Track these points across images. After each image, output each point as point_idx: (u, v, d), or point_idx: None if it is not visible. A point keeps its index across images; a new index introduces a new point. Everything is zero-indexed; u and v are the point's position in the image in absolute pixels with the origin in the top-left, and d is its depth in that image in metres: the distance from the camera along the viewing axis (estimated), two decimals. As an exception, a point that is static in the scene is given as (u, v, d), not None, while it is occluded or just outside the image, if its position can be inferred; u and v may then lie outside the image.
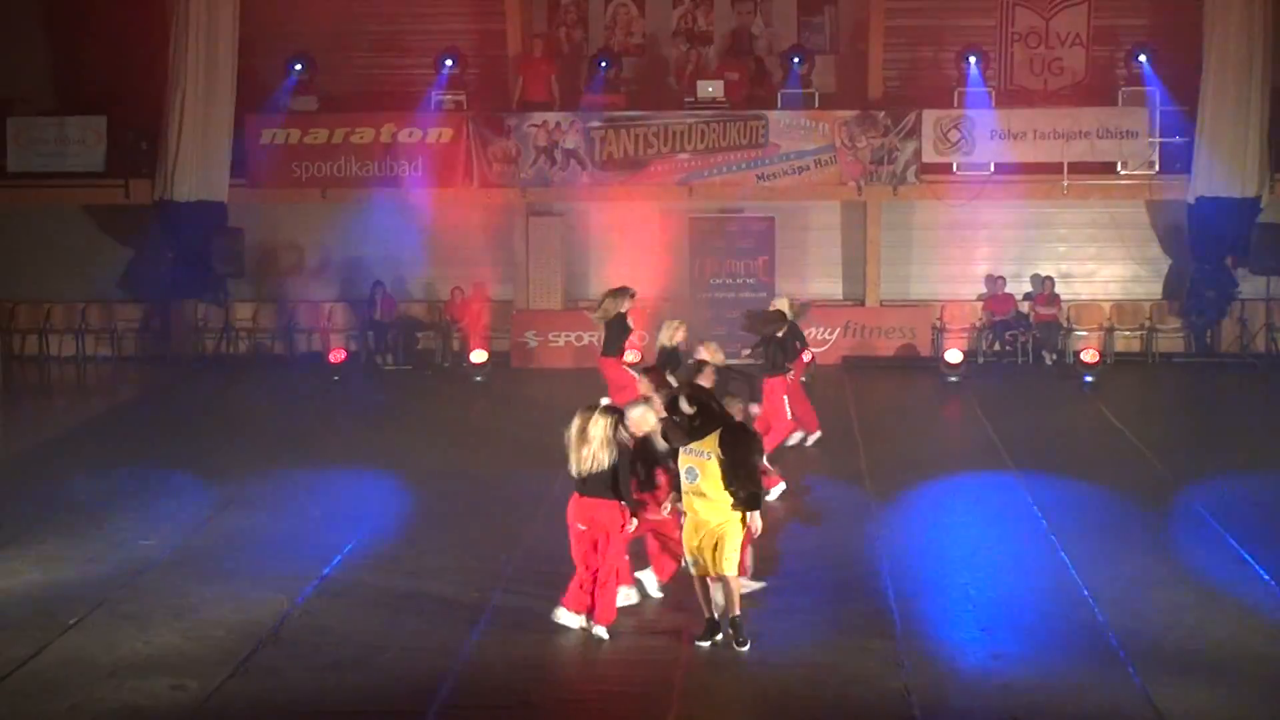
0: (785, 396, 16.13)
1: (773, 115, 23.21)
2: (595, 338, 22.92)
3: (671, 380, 12.74)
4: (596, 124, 23.23)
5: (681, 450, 10.62)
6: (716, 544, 10.59)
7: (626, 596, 11.39)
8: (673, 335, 15.97)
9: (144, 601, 12.07)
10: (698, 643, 10.77)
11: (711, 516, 10.57)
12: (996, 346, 23.33)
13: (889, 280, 23.92)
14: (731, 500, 10.50)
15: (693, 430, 10.58)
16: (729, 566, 10.63)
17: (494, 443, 16.97)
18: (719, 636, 10.80)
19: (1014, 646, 11.00)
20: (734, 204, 23.63)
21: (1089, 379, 21.13)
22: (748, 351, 16.82)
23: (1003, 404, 19.40)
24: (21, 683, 10.32)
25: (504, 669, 10.55)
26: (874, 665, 10.51)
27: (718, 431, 10.54)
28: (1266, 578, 12.38)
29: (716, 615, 10.81)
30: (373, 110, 23.81)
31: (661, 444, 11.15)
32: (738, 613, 10.76)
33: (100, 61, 23.75)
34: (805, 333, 18.38)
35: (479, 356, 22.04)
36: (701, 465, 10.52)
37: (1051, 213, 24.08)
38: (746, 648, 10.66)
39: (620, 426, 10.86)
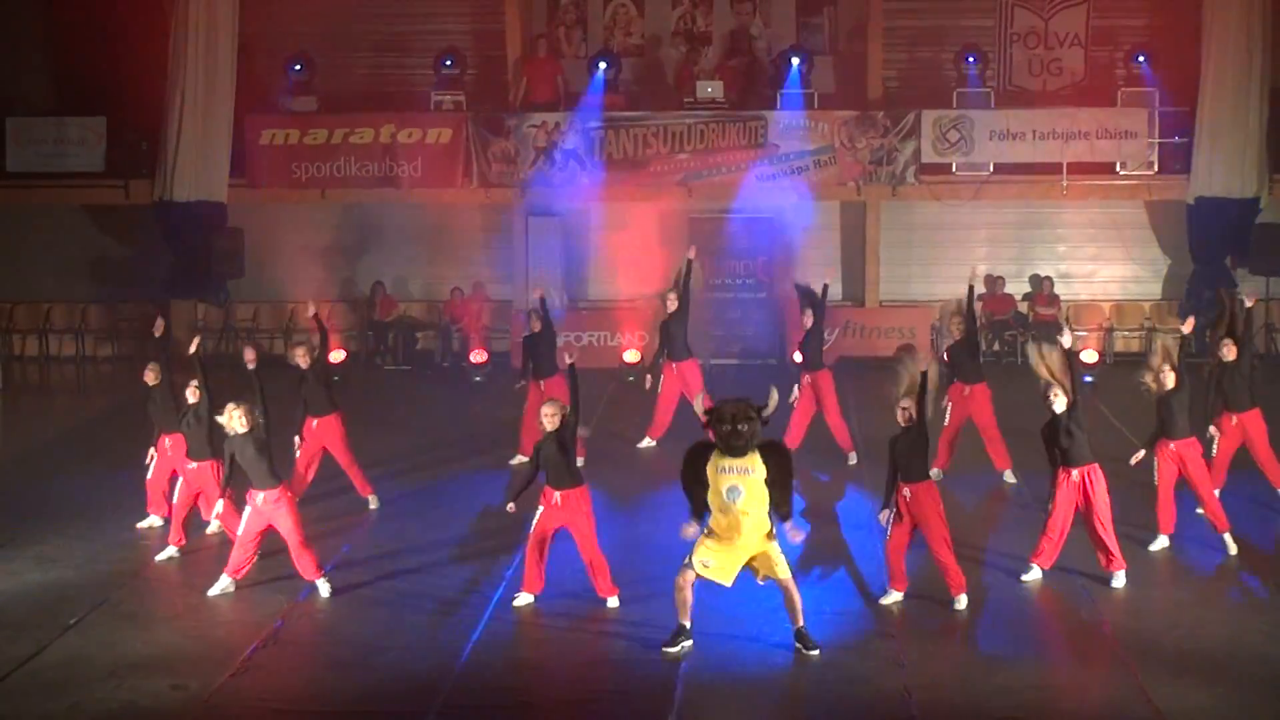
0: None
1: (772, 116, 23.21)
2: (595, 338, 23.00)
3: None
4: (596, 124, 23.23)
5: (718, 471, 10.44)
6: (758, 555, 10.57)
7: None
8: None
9: (144, 601, 12.10)
10: (665, 649, 10.71)
11: (752, 534, 10.50)
12: (995, 346, 23.33)
13: (888, 280, 23.91)
14: (768, 516, 10.53)
15: (746, 445, 10.42)
16: (786, 570, 10.65)
17: (493, 443, 16.97)
18: (688, 644, 10.75)
19: (1014, 646, 11.02)
20: (733, 204, 23.61)
21: (1088, 379, 21.11)
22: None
23: (1002, 403, 19.35)
24: (21, 682, 10.34)
25: (504, 669, 10.57)
26: (874, 665, 10.53)
27: (758, 448, 10.47)
28: (1265, 577, 12.41)
29: (793, 623, 10.79)
30: (372, 110, 23.78)
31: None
32: (801, 623, 10.74)
33: (100, 62, 23.69)
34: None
35: (478, 356, 22.04)
36: (745, 482, 10.40)
37: (1050, 213, 24.07)
38: (816, 652, 10.67)
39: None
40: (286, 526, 11.99)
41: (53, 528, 13.99)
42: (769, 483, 10.47)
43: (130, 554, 13.19)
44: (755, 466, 10.43)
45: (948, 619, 11.41)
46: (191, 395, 13.10)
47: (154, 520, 13.89)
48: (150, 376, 13.99)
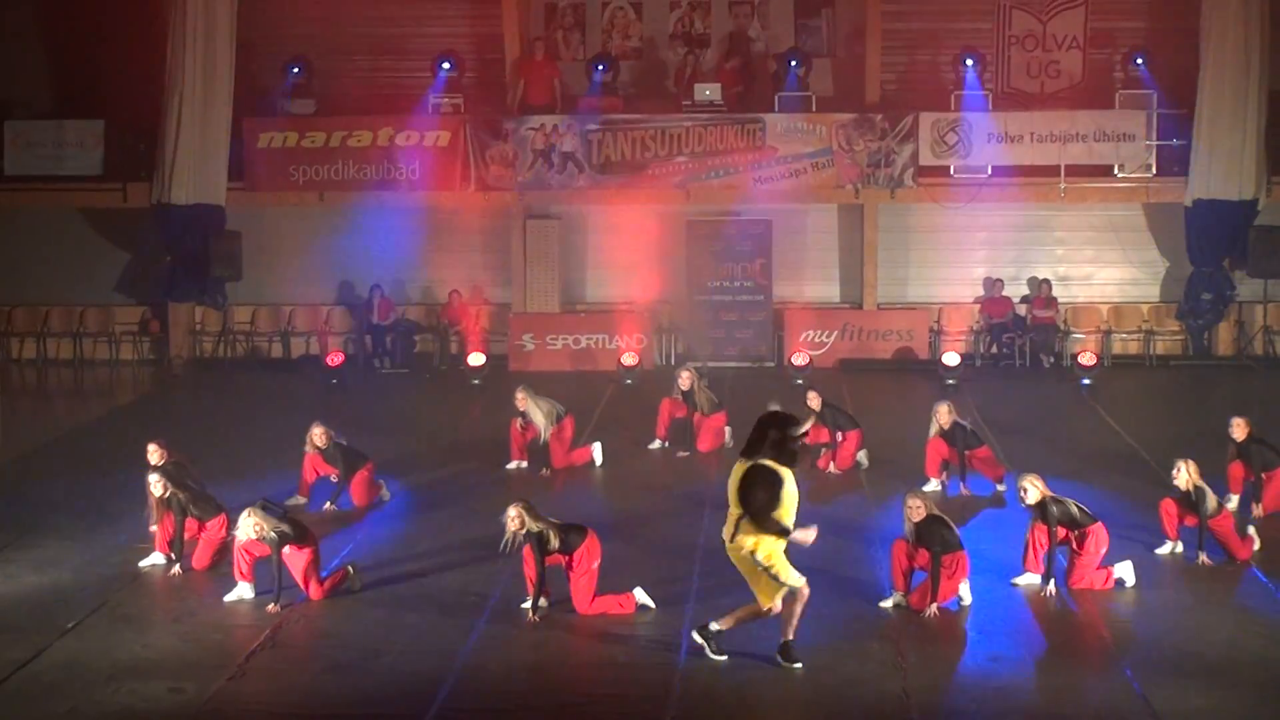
0: None
1: (770, 118, 23.24)
2: (593, 340, 23.01)
3: None
4: (594, 127, 23.25)
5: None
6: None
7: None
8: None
9: (142, 605, 12.09)
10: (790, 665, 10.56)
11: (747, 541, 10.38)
12: (994, 349, 23.35)
13: (886, 283, 23.94)
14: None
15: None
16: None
17: (492, 446, 16.96)
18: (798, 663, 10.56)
19: (1012, 649, 11.02)
20: (731, 207, 23.63)
21: (1086, 381, 21.15)
22: None
23: (1000, 406, 19.41)
24: (20, 686, 10.33)
25: (501, 672, 10.56)
26: (873, 668, 10.51)
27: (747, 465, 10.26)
28: (1264, 579, 12.40)
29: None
30: (370, 113, 23.83)
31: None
32: (790, 636, 10.59)
33: (98, 65, 23.78)
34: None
35: (476, 359, 22.03)
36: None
37: (1049, 215, 24.10)
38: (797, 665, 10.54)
39: None
40: (299, 569, 11.98)
41: (51, 531, 13.98)
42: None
43: (128, 558, 13.16)
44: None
45: (946, 622, 11.41)
46: (159, 488, 12.95)
47: (157, 558, 13.12)
48: (154, 455, 13.54)
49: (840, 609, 11.62)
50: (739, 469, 10.25)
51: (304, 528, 12.18)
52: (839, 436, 16.14)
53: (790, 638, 10.56)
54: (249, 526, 11.81)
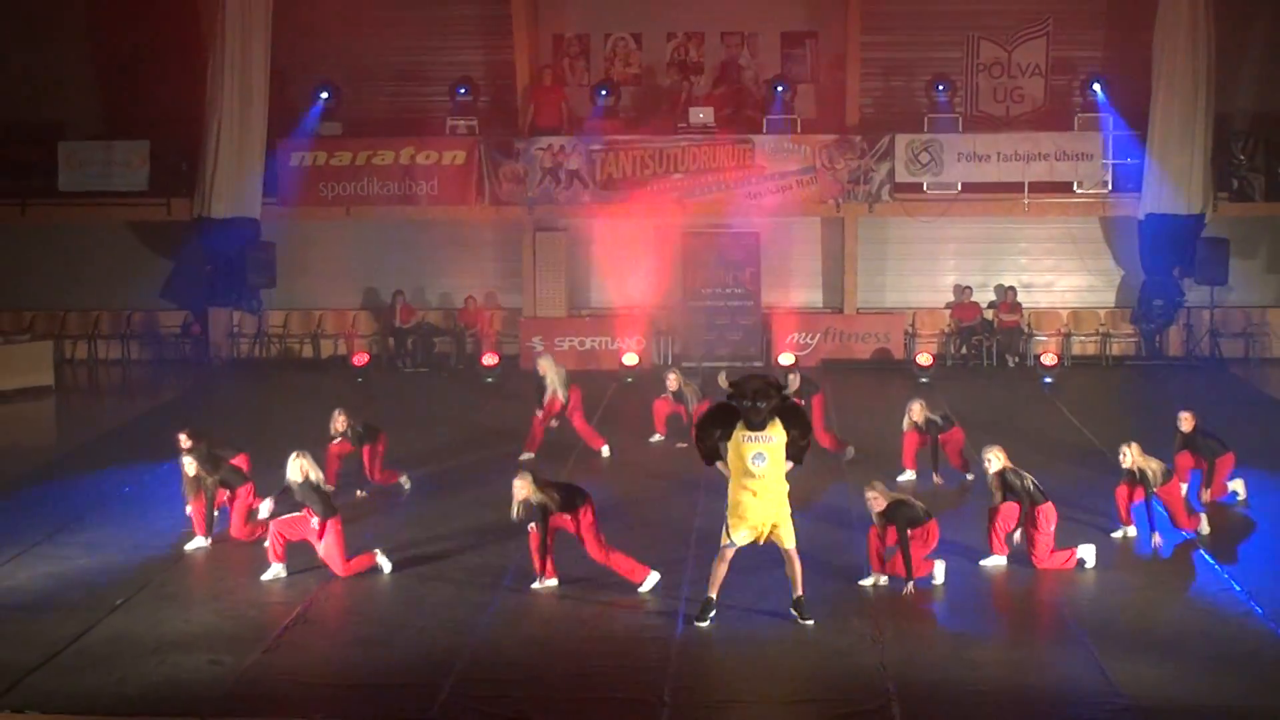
0: None
1: (759, 139, 23.22)
2: (596, 342, 22.99)
3: None
4: (597, 147, 23.24)
5: (743, 441, 10.51)
6: (776, 521, 10.62)
7: None
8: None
9: (184, 584, 12.10)
10: (696, 622, 10.73)
11: (772, 497, 10.57)
12: (963, 350, 23.34)
13: (865, 290, 23.92)
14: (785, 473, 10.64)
15: (763, 419, 10.49)
16: (792, 541, 10.72)
17: (503, 438, 16.97)
18: (714, 614, 10.76)
19: (981, 625, 11.03)
20: (723, 220, 23.61)
21: (1048, 380, 21.15)
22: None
23: (969, 403, 19.39)
24: (73, 658, 10.34)
25: (514, 646, 10.56)
26: (852, 641, 10.52)
27: (778, 416, 10.55)
28: (1210, 560, 12.40)
29: (794, 591, 10.84)
30: (393, 135, 23.80)
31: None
32: (800, 592, 10.76)
33: (144, 90, 23.74)
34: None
35: (490, 360, 22.02)
36: (769, 449, 10.49)
37: (1013, 228, 24.08)
38: (811, 622, 10.70)
39: None
40: (329, 550, 11.98)
41: (101, 517, 13.99)
42: (790, 442, 10.58)
43: (172, 541, 13.17)
44: (776, 434, 10.52)
45: (921, 600, 11.40)
46: (191, 468, 13.02)
47: (200, 541, 13.13)
48: (185, 441, 13.54)
49: (823, 588, 11.61)
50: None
51: (332, 506, 12.18)
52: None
53: (801, 593, 10.80)
54: (295, 467, 11.95)
